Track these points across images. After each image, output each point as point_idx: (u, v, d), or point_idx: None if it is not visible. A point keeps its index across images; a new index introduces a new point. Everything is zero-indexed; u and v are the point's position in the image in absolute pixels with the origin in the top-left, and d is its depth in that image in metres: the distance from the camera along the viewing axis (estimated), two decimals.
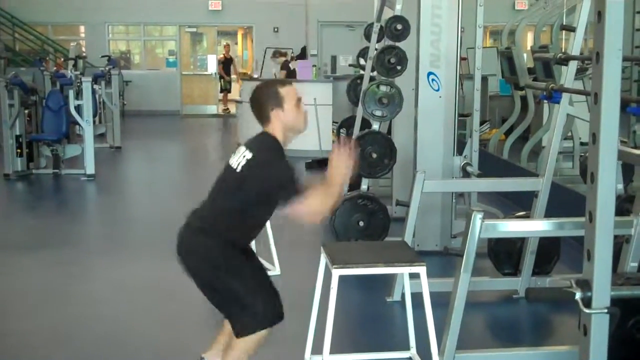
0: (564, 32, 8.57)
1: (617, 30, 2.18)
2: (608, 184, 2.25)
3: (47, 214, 7.61)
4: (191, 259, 3.08)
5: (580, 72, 5.84)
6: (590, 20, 4.20)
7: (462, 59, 6.83)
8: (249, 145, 3.12)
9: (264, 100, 3.13)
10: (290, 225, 6.34)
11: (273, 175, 3.00)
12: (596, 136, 2.24)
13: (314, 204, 2.93)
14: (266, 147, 3.08)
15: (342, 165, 2.99)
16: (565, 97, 4.44)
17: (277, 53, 13.35)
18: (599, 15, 2.20)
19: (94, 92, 10.13)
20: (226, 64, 18.47)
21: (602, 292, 2.25)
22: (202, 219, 3.10)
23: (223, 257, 3.04)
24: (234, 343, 3.11)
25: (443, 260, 5.35)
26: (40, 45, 17.93)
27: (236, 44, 21.42)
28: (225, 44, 18.38)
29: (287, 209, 2.95)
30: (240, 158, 3.07)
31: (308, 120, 3.22)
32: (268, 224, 5.09)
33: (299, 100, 3.16)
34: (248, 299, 3.05)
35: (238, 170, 3.04)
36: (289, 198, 2.93)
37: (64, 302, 4.71)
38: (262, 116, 3.13)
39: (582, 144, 7.90)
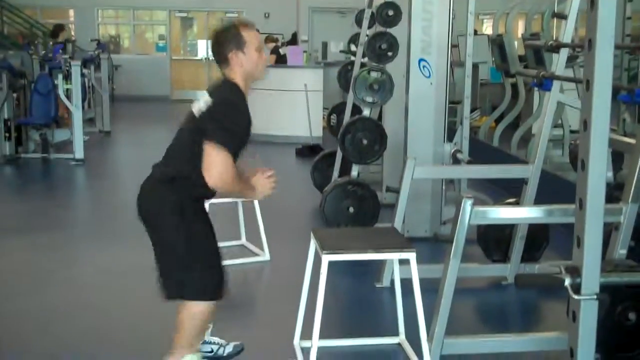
0: (555, 19, 8.59)
1: (610, 18, 2.18)
2: (598, 171, 2.25)
3: (35, 198, 7.57)
4: (149, 211, 3.05)
5: (571, 60, 5.84)
6: (581, 7, 4.20)
7: (453, 46, 6.81)
8: (210, 91, 3.05)
9: (224, 41, 3.04)
10: (279, 211, 6.37)
11: (223, 114, 2.93)
12: (587, 123, 2.24)
13: (222, 174, 2.86)
14: (227, 92, 3.01)
15: (266, 187, 3.08)
16: (555, 84, 4.45)
17: (268, 39, 13.30)
18: (591, 2, 2.19)
19: (83, 76, 10.05)
20: None
21: (592, 279, 2.25)
22: (162, 169, 3.06)
23: (180, 215, 2.97)
24: (178, 326, 3.07)
25: (433, 247, 5.37)
26: (28, 29, 17.77)
27: None
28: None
29: (206, 149, 2.85)
30: (201, 104, 3.00)
31: (266, 69, 3.13)
32: (257, 209, 5.10)
33: (260, 46, 3.09)
34: (193, 262, 2.99)
35: (197, 116, 2.98)
36: (211, 137, 2.85)
37: (50, 286, 4.68)
38: (221, 58, 3.05)
39: (572, 131, 7.91)
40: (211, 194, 3.06)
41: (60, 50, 10.66)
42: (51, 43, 11.29)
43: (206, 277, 3.03)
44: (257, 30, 3.17)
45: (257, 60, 3.06)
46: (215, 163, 2.85)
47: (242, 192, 3.06)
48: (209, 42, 3.14)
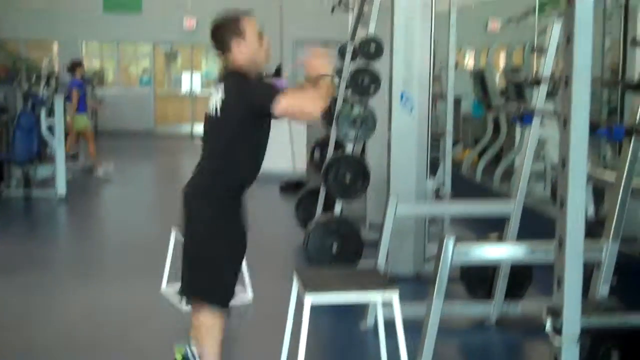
0: (535, 53, 8.66)
1: (586, 55, 2.17)
2: (577, 209, 2.22)
3: (16, 236, 7.46)
4: (193, 222, 3.17)
5: (551, 94, 5.86)
6: (561, 42, 4.23)
7: (436, 79, 6.83)
8: (221, 79, 3.17)
9: (225, 29, 3.16)
10: (263, 247, 6.30)
11: (251, 90, 3.05)
12: (565, 161, 2.22)
13: (306, 95, 3.03)
14: (235, 76, 3.13)
15: (319, 61, 3.11)
16: (536, 119, 4.45)
17: None
18: (567, 40, 2.19)
19: (66, 111, 9.99)
20: None
21: (572, 321, 2.22)
22: (202, 177, 3.18)
23: (223, 228, 3.13)
24: (202, 343, 3.20)
25: (417, 285, 5.33)
26: (11, 63, 17.71)
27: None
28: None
29: (279, 110, 2.97)
30: (215, 103, 3.11)
31: (270, 53, 3.26)
32: None
33: (260, 33, 3.19)
34: (225, 275, 3.16)
35: (218, 113, 3.09)
36: (274, 99, 2.96)
37: (34, 326, 4.60)
38: (223, 46, 3.17)
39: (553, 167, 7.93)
40: (249, 182, 3.28)
41: (41, 87, 10.57)
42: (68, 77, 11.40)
43: (229, 284, 3.20)
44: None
45: (257, 46, 3.17)
46: (302, 105, 3.01)
47: (324, 86, 3.06)
48: (210, 32, 3.24)
